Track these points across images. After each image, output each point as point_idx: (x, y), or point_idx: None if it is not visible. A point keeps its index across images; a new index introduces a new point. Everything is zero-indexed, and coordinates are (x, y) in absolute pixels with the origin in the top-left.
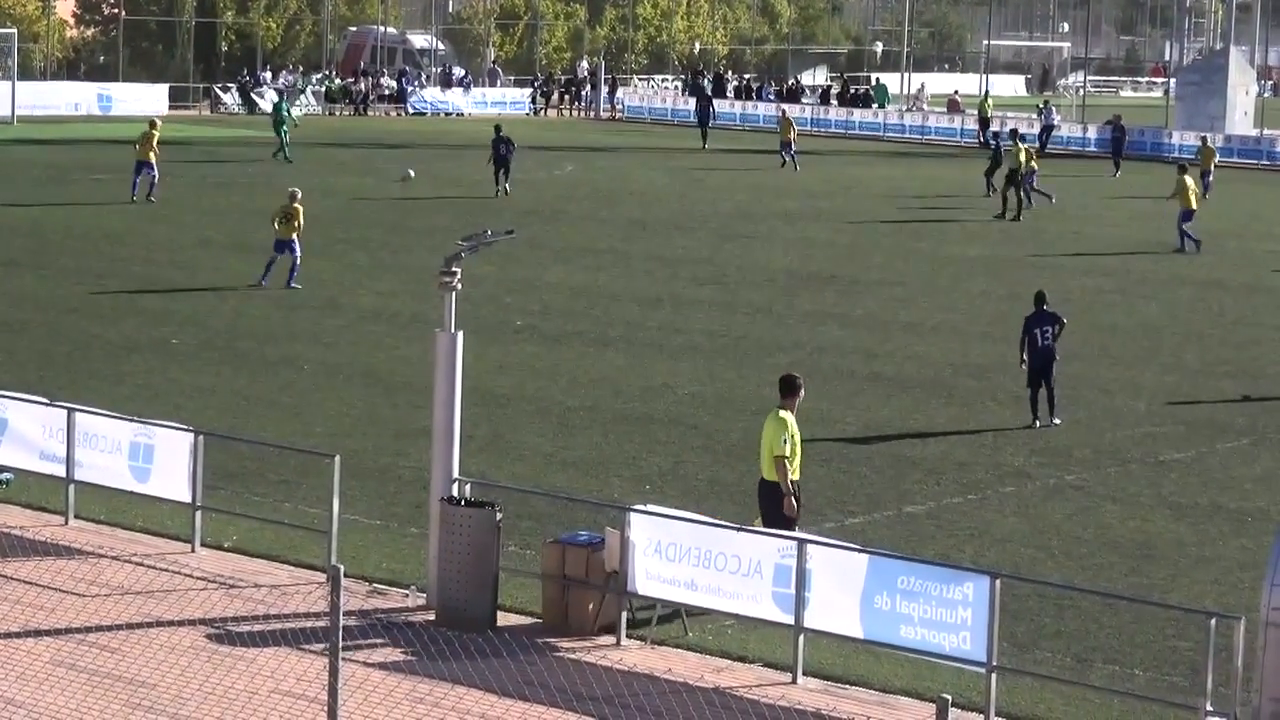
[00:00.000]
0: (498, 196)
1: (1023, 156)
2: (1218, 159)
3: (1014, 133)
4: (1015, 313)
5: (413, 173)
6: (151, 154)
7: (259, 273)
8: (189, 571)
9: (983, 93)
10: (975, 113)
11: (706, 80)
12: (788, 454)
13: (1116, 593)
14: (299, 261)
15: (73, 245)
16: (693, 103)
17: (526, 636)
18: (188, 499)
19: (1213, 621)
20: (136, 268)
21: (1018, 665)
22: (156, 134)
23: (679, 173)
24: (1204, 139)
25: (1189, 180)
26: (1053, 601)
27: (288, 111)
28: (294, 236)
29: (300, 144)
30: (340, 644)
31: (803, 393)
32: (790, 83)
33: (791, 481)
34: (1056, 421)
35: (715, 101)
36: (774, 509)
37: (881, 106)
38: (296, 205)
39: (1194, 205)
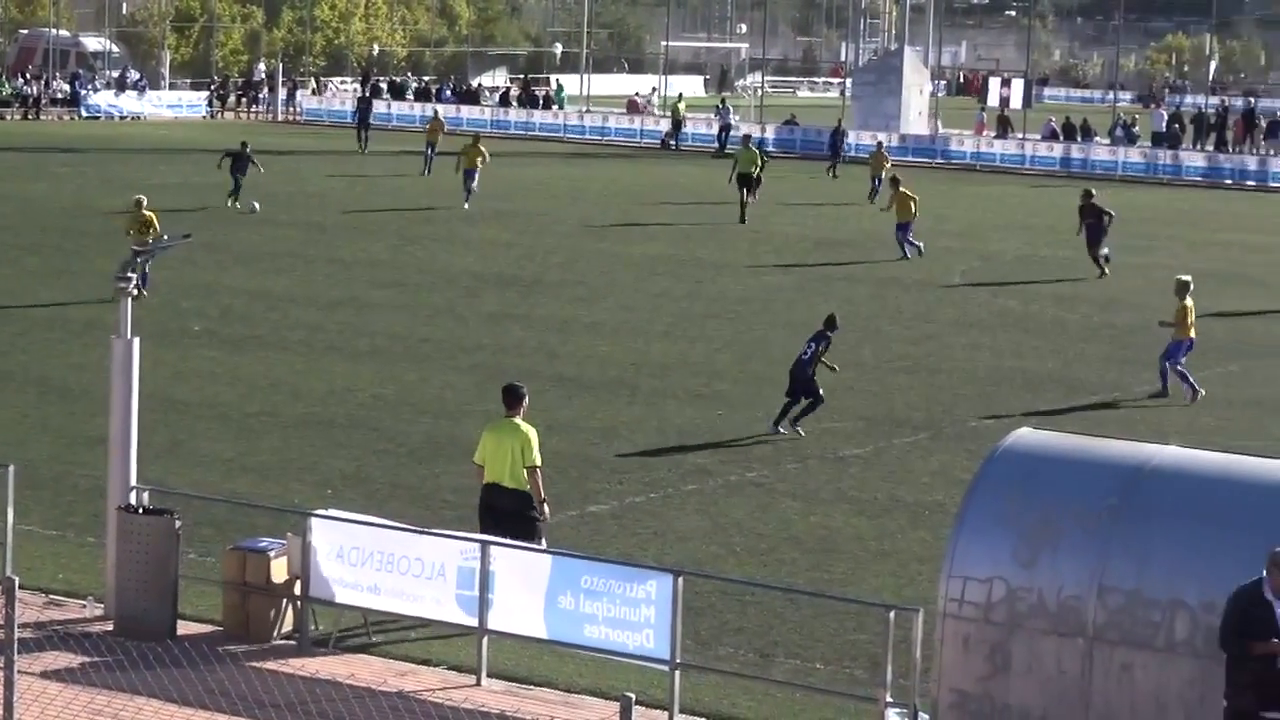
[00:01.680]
0: (247, 210)
1: (760, 161)
2: (890, 162)
3: (746, 137)
4: (695, 312)
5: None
6: None
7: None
8: None
9: (677, 95)
10: (669, 114)
11: (375, 82)
12: (540, 464)
13: (797, 588)
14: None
15: None
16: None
17: (207, 645)
18: None
19: (892, 614)
20: None
21: (701, 662)
22: None
23: (358, 175)
24: (879, 143)
25: (907, 191)
26: (735, 598)
27: None
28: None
29: None
30: (15, 657)
31: (527, 402)
32: (472, 84)
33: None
34: (800, 431)
35: (395, 104)
36: (527, 518)
37: (560, 108)
38: (147, 212)
39: (912, 215)
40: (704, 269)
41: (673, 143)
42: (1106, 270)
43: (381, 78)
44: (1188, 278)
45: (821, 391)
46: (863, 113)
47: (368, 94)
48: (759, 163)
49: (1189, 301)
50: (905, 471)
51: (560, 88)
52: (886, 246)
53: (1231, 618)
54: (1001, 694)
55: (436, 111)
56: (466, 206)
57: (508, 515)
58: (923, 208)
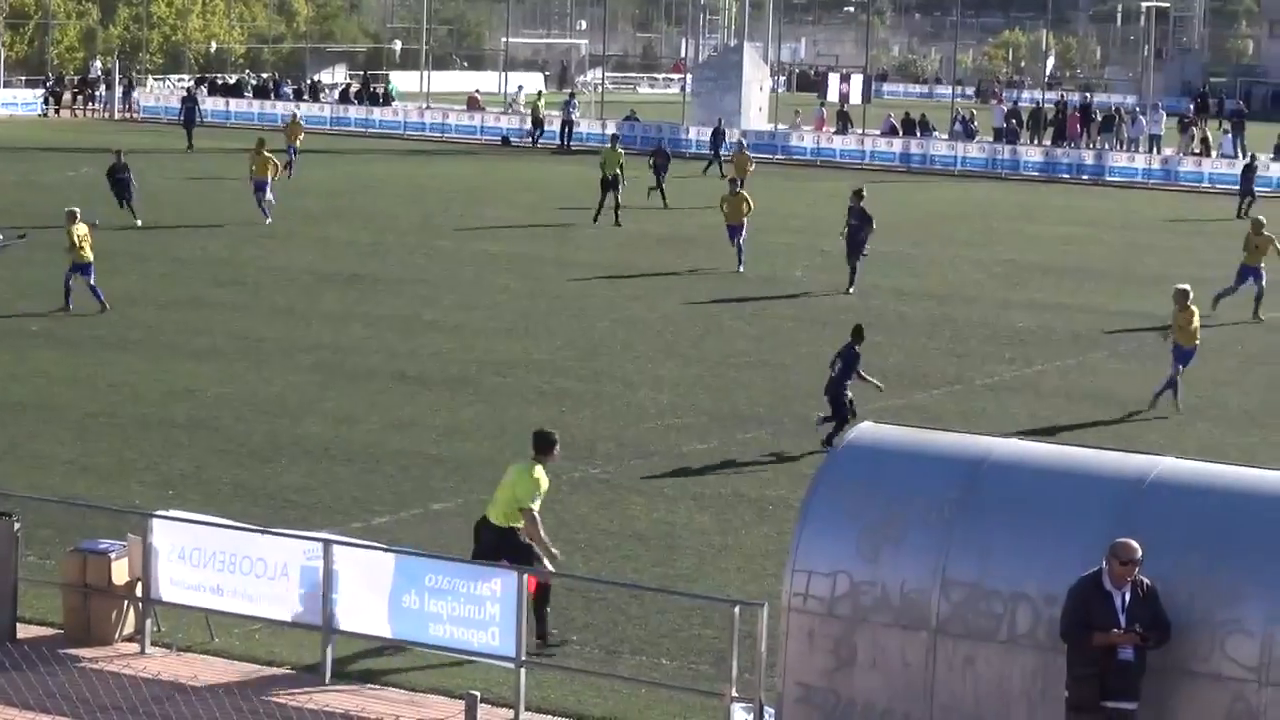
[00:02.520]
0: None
1: (621, 161)
2: (753, 167)
3: (614, 137)
4: (538, 310)
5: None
6: None
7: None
8: None
9: (536, 93)
10: (528, 113)
11: (214, 79)
12: (537, 509)
13: (642, 584)
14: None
15: None
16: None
17: (47, 648)
18: None
19: (737, 609)
20: None
21: (546, 659)
22: None
23: (196, 174)
24: (741, 144)
25: (746, 195)
26: (580, 595)
27: None
28: (89, 259)
29: None
30: None
31: (558, 450)
32: (310, 80)
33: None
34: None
35: (233, 101)
36: (510, 553)
37: (390, 102)
38: (80, 225)
39: (742, 219)
40: (546, 266)
41: (532, 141)
42: (854, 288)
43: (220, 75)
44: (1186, 285)
45: (852, 407)
46: (703, 109)
47: (191, 92)
48: (622, 163)
49: (1194, 308)
50: (749, 466)
51: (388, 82)
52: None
53: (1072, 609)
54: (846, 687)
55: (295, 114)
56: (269, 221)
57: (490, 549)
58: (764, 204)
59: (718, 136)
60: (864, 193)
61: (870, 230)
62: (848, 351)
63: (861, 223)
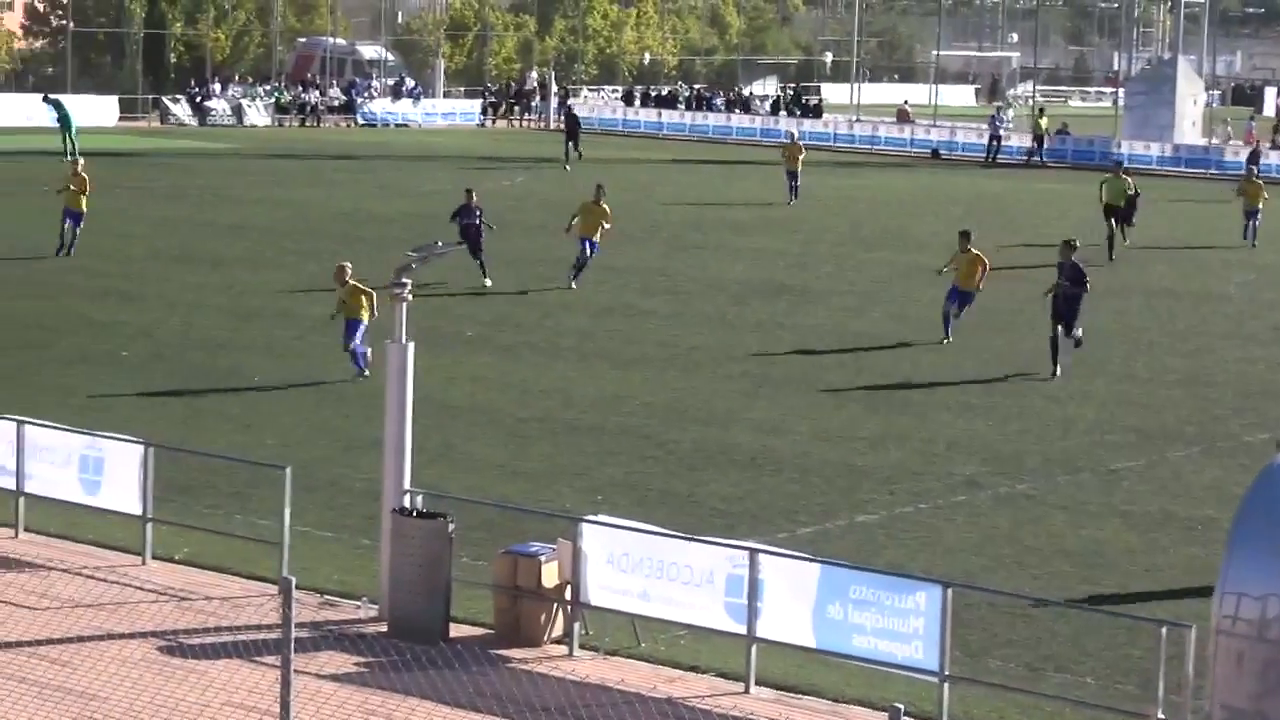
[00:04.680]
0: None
1: (1128, 190)
2: (1265, 195)
3: (1117, 164)
4: (966, 322)
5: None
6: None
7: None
8: (140, 584)
9: (1038, 109)
10: (1032, 131)
11: (574, 96)
12: None
13: (1068, 601)
14: None
15: (19, 256)
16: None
17: (479, 648)
18: (138, 511)
19: (1164, 630)
20: (84, 279)
21: (970, 674)
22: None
23: (626, 183)
24: (1252, 170)
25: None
26: (1004, 610)
27: (68, 115)
28: (360, 316)
29: (251, 155)
30: (292, 656)
31: None
32: (742, 92)
33: None
34: None
35: (665, 112)
36: None
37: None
38: (353, 283)
39: (976, 284)
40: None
41: (1036, 157)
42: (1059, 370)
43: (652, 86)
44: None
45: None
46: (1135, 123)
47: (570, 108)
48: (1131, 191)
49: None
50: (1178, 485)
51: (785, 95)
52: (1157, 256)
53: None
54: (1276, 712)
55: (793, 134)
56: (572, 286)
57: None
58: (1201, 219)
59: (1255, 158)
60: (1076, 244)
61: (1085, 292)
62: None
63: (1076, 282)
